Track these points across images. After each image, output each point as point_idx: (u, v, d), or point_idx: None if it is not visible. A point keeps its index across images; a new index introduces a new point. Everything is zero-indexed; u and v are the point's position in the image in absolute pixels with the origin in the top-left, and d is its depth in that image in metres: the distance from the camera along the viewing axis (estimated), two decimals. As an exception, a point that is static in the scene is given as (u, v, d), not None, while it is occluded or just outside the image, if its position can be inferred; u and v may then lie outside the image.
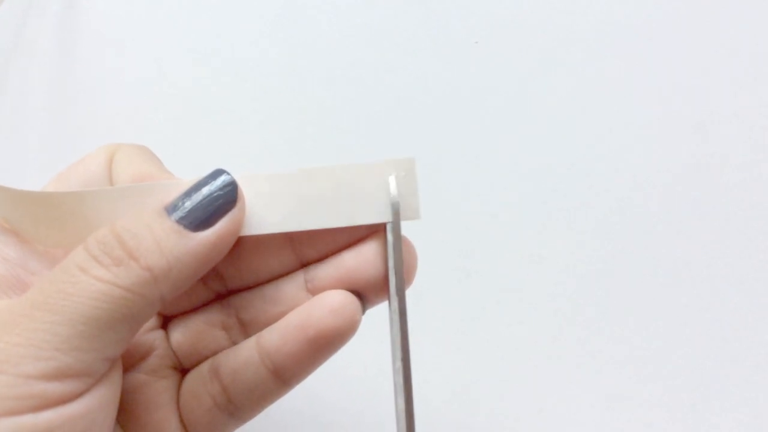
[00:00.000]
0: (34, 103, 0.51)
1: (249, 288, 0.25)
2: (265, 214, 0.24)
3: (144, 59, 0.49)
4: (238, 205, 0.23)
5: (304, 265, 0.25)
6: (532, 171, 0.42)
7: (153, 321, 0.26)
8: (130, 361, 0.25)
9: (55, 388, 0.20)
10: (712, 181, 0.40)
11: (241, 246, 0.24)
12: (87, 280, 0.20)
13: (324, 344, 0.23)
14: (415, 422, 0.32)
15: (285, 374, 0.23)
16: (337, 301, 0.23)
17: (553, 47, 0.43)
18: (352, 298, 0.23)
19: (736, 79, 0.40)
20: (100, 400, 0.21)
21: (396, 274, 0.23)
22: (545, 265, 0.41)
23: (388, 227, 0.24)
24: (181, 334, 0.25)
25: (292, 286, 0.24)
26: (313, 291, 0.24)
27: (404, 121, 0.44)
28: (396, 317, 0.22)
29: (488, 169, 0.43)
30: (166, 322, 0.26)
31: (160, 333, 0.25)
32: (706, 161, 0.40)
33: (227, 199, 0.22)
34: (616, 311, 0.40)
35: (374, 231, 0.24)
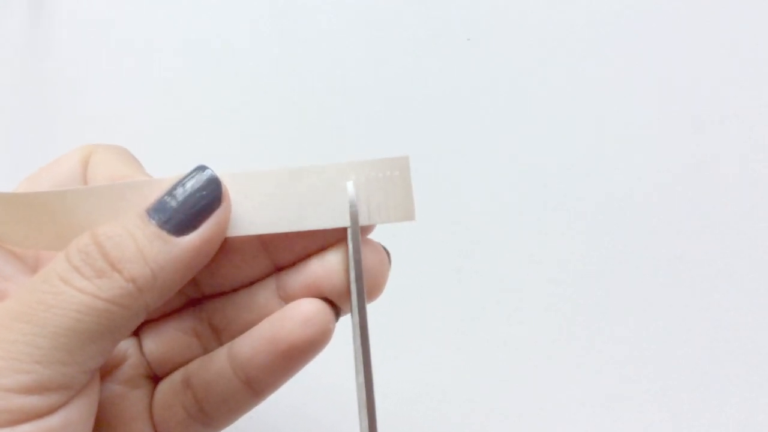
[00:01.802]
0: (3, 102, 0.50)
1: (221, 294, 0.25)
2: (250, 214, 0.22)
3: (128, 56, 0.48)
4: (224, 204, 0.21)
5: (277, 270, 0.24)
6: (530, 170, 0.42)
7: None
8: (103, 371, 0.24)
9: (35, 401, 0.19)
10: (711, 181, 0.39)
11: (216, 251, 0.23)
12: (69, 291, 0.20)
13: (296, 355, 0.22)
14: (414, 422, 0.32)
15: (258, 385, 0.23)
16: (309, 310, 0.22)
17: (548, 44, 0.43)
18: (323, 307, 0.22)
19: (736, 78, 0.40)
20: (80, 413, 0.20)
21: (356, 285, 0.22)
22: (545, 265, 0.41)
23: (348, 234, 0.22)
24: (152, 342, 0.25)
25: (264, 293, 0.24)
26: (285, 298, 0.23)
27: (399, 118, 0.44)
28: (357, 331, 0.22)
29: (487, 168, 0.42)
30: (138, 328, 0.25)
31: (132, 341, 0.25)
32: (706, 161, 0.40)
33: (211, 197, 0.21)
34: (616, 311, 0.40)
35: (342, 237, 0.23)
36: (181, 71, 0.48)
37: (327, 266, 0.23)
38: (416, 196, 0.23)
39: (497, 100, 0.43)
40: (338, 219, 0.23)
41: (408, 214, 0.23)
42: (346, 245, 0.23)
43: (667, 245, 0.40)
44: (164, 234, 0.21)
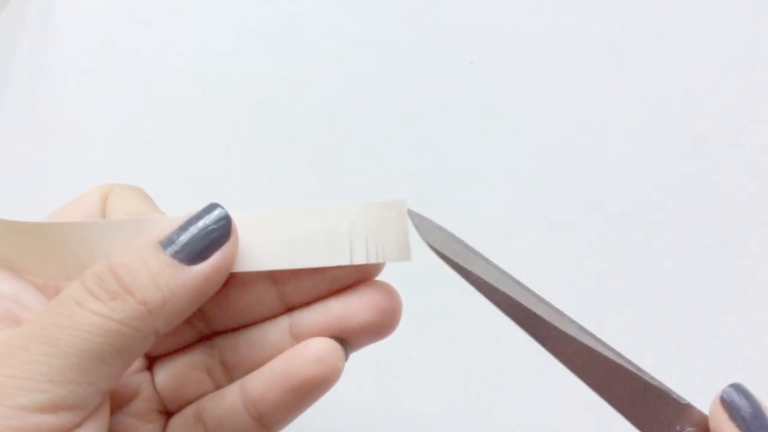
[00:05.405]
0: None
1: (234, 330, 0.25)
2: (256, 251, 0.24)
3: (127, 84, 0.49)
4: (232, 238, 0.23)
5: (290, 309, 0.25)
6: (532, 190, 0.43)
7: (139, 362, 0.25)
8: (116, 403, 0.24)
9: (48, 420, 0.20)
10: (708, 196, 0.40)
11: (226, 286, 0.24)
12: (82, 313, 0.20)
13: (307, 392, 0.23)
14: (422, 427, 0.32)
15: (268, 421, 0.23)
16: (320, 349, 0.23)
17: (550, 67, 0.44)
18: (335, 346, 0.23)
19: (736, 94, 0.41)
20: None
21: None
22: (545, 274, 0.41)
23: None
24: (164, 377, 0.25)
25: (276, 331, 0.24)
26: (298, 336, 0.24)
27: (404, 138, 0.45)
28: None
29: (490, 187, 0.43)
30: (151, 363, 0.26)
31: (146, 375, 0.25)
32: (704, 175, 0.41)
33: (221, 232, 0.22)
34: (616, 319, 0.40)
35: (362, 278, 0.24)
36: (184, 94, 0.48)
37: (351, 307, 0.24)
38: (411, 238, 0.24)
39: (500, 120, 0.44)
40: (339, 257, 0.24)
41: (404, 255, 0.24)
42: (372, 286, 0.24)
43: (664, 257, 0.41)
44: (176, 263, 0.22)
